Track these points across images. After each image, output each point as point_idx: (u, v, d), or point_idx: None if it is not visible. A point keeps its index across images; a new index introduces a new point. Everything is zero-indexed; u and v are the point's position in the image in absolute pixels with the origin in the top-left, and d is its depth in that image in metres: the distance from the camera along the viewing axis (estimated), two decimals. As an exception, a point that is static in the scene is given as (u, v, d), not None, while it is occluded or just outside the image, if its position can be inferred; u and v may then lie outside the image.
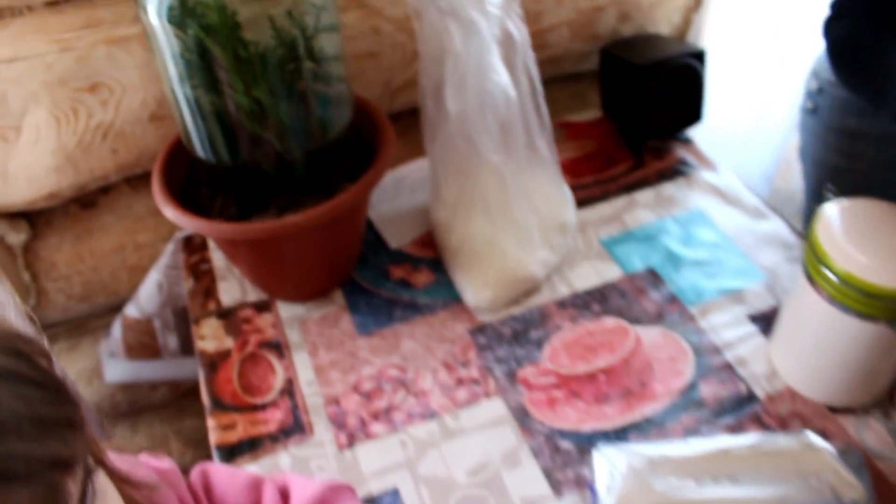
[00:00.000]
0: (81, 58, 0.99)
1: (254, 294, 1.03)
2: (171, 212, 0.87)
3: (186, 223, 0.85)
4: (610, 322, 0.97)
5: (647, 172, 1.18)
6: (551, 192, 1.01)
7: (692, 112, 1.16)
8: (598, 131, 1.24)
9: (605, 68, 1.19)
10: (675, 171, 1.17)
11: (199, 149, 0.88)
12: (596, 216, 1.11)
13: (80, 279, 1.20)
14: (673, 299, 0.98)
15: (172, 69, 0.81)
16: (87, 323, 1.32)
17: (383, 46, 1.09)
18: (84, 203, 1.17)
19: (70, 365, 1.32)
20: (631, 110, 1.15)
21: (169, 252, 1.17)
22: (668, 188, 1.15)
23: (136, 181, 1.17)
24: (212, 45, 0.77)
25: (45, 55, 0.98)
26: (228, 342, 0.98)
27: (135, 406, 1.41)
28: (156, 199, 0.90)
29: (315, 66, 0.82)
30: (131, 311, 1.23)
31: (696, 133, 1.21)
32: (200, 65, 0.80)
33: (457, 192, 0.99)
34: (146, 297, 1.21)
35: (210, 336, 0.99)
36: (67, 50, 0.99)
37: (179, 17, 0.77)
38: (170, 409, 1.44)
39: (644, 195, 1.14)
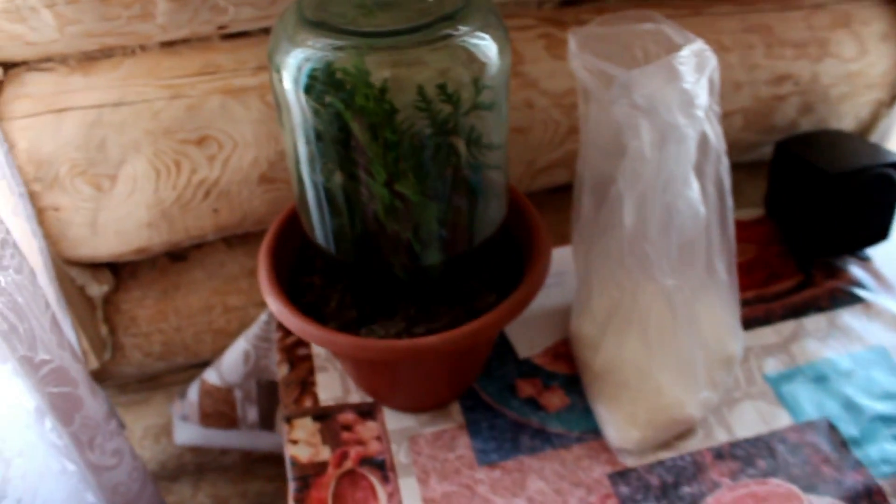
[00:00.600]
0: (192, 107, 0.87)
1: (357, 394, 0.89)
2: (280, 309, 0.73)
3: (296, 326, 0.71)
4: (778, 486, 0.80)
5: (816, 293, 1.00)
6: (722, 321, 0.85)
7: (879, 229, 0.98)
8: (759, 234, 1.07)
9: (779, 166, 1.02)
10: (851, 296, 0.99)
11: (321, 237, 0.74)
12: (758, 343, 0.94)
13: (160, 337, 1.07)
14: (856, 465, 0.81)
15: (302, 146, 0.68)
16: (160, 376, 1.19)
17: (534, 122, 0.94)
18: (174, 255, 1.04)
19: (139, 419, 1.20)
20: (806, 220, 0.98)
21: (261, 322, 1.04)
22: (844, 316, 0.97)
23: (232, 238, 1.04)
24: (355, 125, 0.63)
25: (154, 101, 0.86)
26: (325, 452, 0.84)
27: (202, 467, 1.28)
28: (262, 287, 0.77)
29: (474, 155, 0.67)
30: (212, 377, 1.10)
31: (874, 251, 1.03)
32: (336, 146, 0.66)
33: (610, 307, 0.83)
34: (230, 366, 1.08)
35: (304, 442, 0.85)
36: (178, 97, 0.86)
37: (320, 89, 0.63)
38: (237, 469, 1.31)
39: (814, 322, 0.97)
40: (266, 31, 0.89)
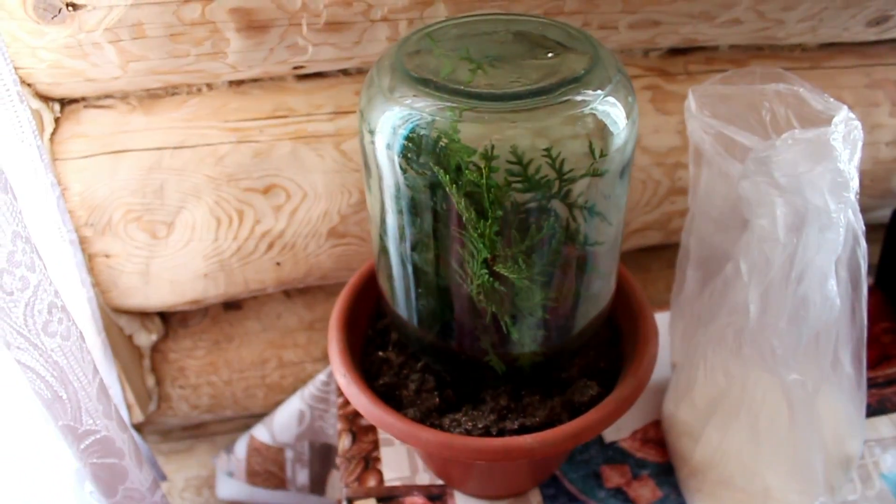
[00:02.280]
0: (260, 153, 0.79)
1: (426, 474, 0.80)
2: (353, 391, 0.65)
3: (377, 417, 0.63)
4: None
5: (937, 376, 0.90)
6: (844, 418, 0.75)
7: None
8: (868, 309, 0.96)
9: (895, 235, 0.92)
10: (976, 382, 0.89)
11: (404, 311, 0.65)
12: (874, 437, 0.84)
13: (209, 390, 0.99)
14: None
15: (392, 215, 0.59)
16: (206, 426, 1.11)
17: (632, 181, 0.85)
18: (228, 304, 0.97)
19: (181, 469, 1.13)
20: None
21: (319, 381, 0.96)
22: (970, 405, 0.86)
23: (291, 288, 0.96)
24: (458, 199, 0.54)
25: (218, 145, 0.78)
26: (389, 542, 0.75)
27: (242, 521, 1.20)
28: (332, 363, 0.69)
29: (591, 235, 0.58)
30: (262, 434, 1.02)
31: None
32: (432, 218, 0.57)
33: (715, 396, 0.74)
34: (282, 425, 1.00)
35: (367, 528, 0.76)
36: (245, 142, 0.78)
37: (419, 155, 0.54)
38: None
39: (937, 411, 0.86)
40: (346, 72, 0.81)
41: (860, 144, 0.62)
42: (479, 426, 0.64)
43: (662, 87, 0.84)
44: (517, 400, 0.67)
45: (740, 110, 0.70)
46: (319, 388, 0.96)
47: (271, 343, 0.99)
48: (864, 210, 0.93)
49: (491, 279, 0.58)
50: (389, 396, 0.68)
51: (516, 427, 0.64)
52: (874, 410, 0.88)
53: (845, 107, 0.64)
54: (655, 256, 1.01)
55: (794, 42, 0.87)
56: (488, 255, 0.58)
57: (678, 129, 0.85)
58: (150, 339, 0.96)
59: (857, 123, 0.63)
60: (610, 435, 0.85)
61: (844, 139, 0.61)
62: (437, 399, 0.67)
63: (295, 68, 0.78)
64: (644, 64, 0.85)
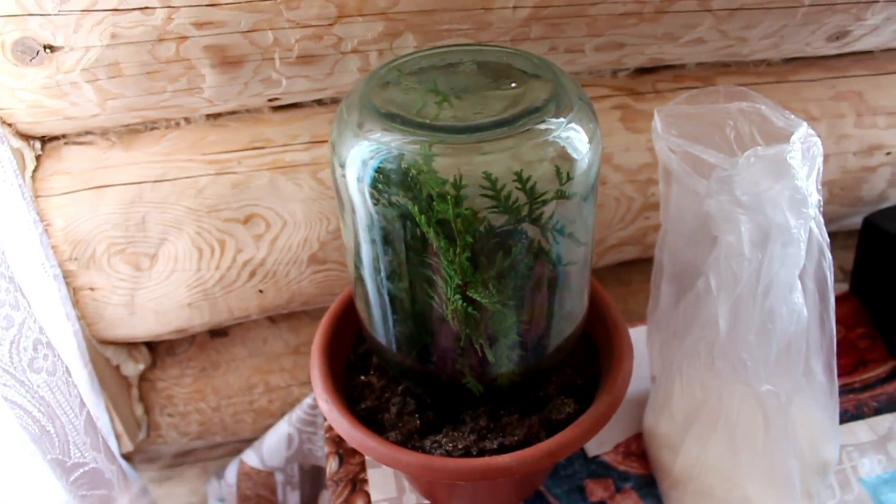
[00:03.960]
0: (239, 183, 0.80)
1: (413, 494, 0.82)
2: (335, 416, 0.66)
3: (358, 441, 0.64)
4: None
5: (912, 381, 0.91)
6: (818, 425, 0.77)
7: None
8: (844, 314, 0.99)
9: (868, 242, 0.94)
10: (951, 384, 0.90)
11: (382, 337, 0.67)
12: (851, 441, 0.86)
13: (198, 417, 1.00)
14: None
15: (366, 247, 0.61)
16: (196, 452, 1.12)
17: (606, 199, 0.87)
18: (214, 331, 0.98)
19: (172, 497, 1.13)
20: (901, 302, 0.89)
21: (306, 405, 0.97)
22: (945, 408, 0.88)
23: (276, 314, 0.98)
24: (429, 228, 0.56)
25: (198, 177, 0.80)
26: (378, 562, 0.76)
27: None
28: (315, 389, 0.70)
29: (559, 256, 0.60)
30: (251, 459, 1.03)
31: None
32: (405, 247, 0.59)
33: (693, 408, 0.76)
34: (271, 449, 1.01)
35: (355, 550, 0.77)
36: (224, 173, 0.80)
37: (389, 187, 0.56)
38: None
39: (913, 415, 0.88)
40: (320, 102, 0.83)
41: (819, 160, 0.64)
42: (460, 447, 0.66)
43: (632, 106, 0.86)
44: (496, 420, 0.68)
45: (705, 129, 0.72)
46: (307, 412, 0.98)
47: (258, 368, 1.00)
48: (837, 218, 0.96)
49: (464, 304, 0.60)
50: (371, 420, 0.70)
51: (496, 446, 0.65)
52: (851, 416, 0.89)
53: (805, 123, 0.66)
54: (634, 271, 1.03)
55: (758, 58, 0.89)
56: (460, 282, 0.59)
57: (649, 147, 0.86)
58: (138, 369, 0.97)
59: (817, 139, 0.65)
60: (593, 449, 0.86)
61: (803, 156, 0.63)
62: (419, 421, 0.69)
63: (270, 100, 0.80)
64: (613, 84, 0.87)
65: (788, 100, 0.89)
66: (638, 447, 0.86)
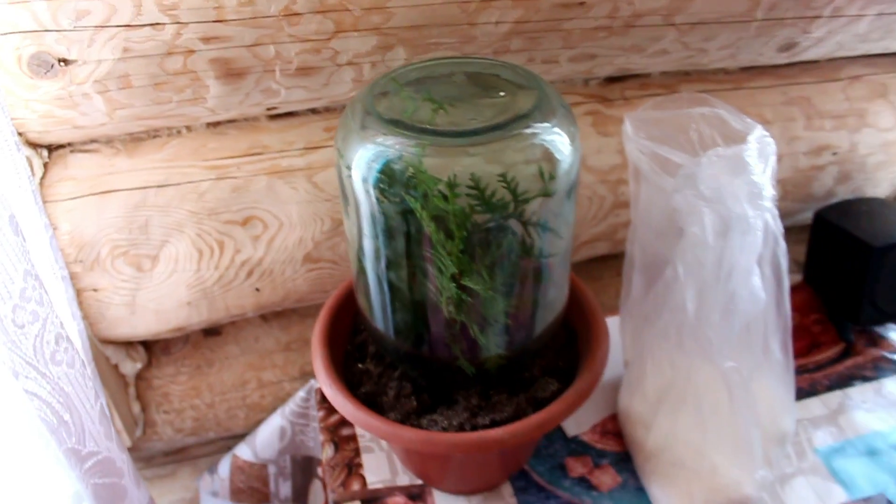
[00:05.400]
0: (238, 188, 0.86)
1: (406, 476, 0.87)
2: (339, 400, 0.72)
3: (361, 420, 0.70)
4: (839, 567, 0.78)
5: (859, 361, 1.00)
6: (777, 399, 0.84)
7: (921, 298, 0.98)
8: (799, 302, 1.07)
9: (818, 235, 1.03)
10: (895, 364, 0.99)
11: (381, 325, 0.73)
12: (806, 416, 0.93)
13: (192, 414, 1.05)
14: (916, 543, 0.79)
15: (368, 239, 0.67)
16: (188, 450, 1.17)
17: (579, 198, 0.94)
18: (208, 331, 1.03)
19: (165, 494, 1.18)
20: (848, 290, 0.98)
21: (298, 398, 1.02)
22: (890, 385, 0.97)
23: (268, 312, 1.03)
24: (428, 222, 0.62)
25: (199, 182, 0.85)
26: (376, 539, 0.82)
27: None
28: (318, 375, 0.76)
29: (543, 248, 0.67)
30: (244, 453, 1.08)
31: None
32: (405, 240, 0.65)
33: (664, 387, 0.83)
34: (264, 442, 1.06)
35: (354, 528, 0.83)
36: (224, 178, 0.85)
37: (392, 186, 0.62)
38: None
39: (861, 392, 0.96)
40: (314, 111, 0.88)
41: (773, 158, 0.71)
42: (455, 423, 0.72)
43: (602, 112, 0.93)
44: (487, 399, 0.74)
45: (671, 132, 0.79)
46: (299, 405, 1.03)
47: (250, 365, 1.06)
48: (791, 213, 1.04)
49: (459, 292, 0.66)
50: (371, 403, 0.76)
51: (487, 422, 0.72)
52: (806, 393, 0.97)
53: (759, 126, 0.74)
54: (606, 266, 1.10)
55: (717, 67, 0.97)
56: (455, 271, 0.65)
57: (618, 149, 0.94)
58: (135, 368, 1.01)
59: (770, 140, 0.73)
60: (572, 430, 0.93)
61: (759, 154, 0.70)
62: (415, 402, 0.75)
63: (268, 109, 0.86)
64: (585, 91, 0.94)
65: (745, 105, 0.97)
66: (614, 427, 0.93)
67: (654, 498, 0.84)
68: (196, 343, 1.04)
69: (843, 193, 1.08)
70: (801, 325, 1.07)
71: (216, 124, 0.87)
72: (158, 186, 0.85)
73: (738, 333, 0.77)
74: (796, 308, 1.07)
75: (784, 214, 1.05)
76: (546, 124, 0.63)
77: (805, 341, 1.04)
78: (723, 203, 0.68)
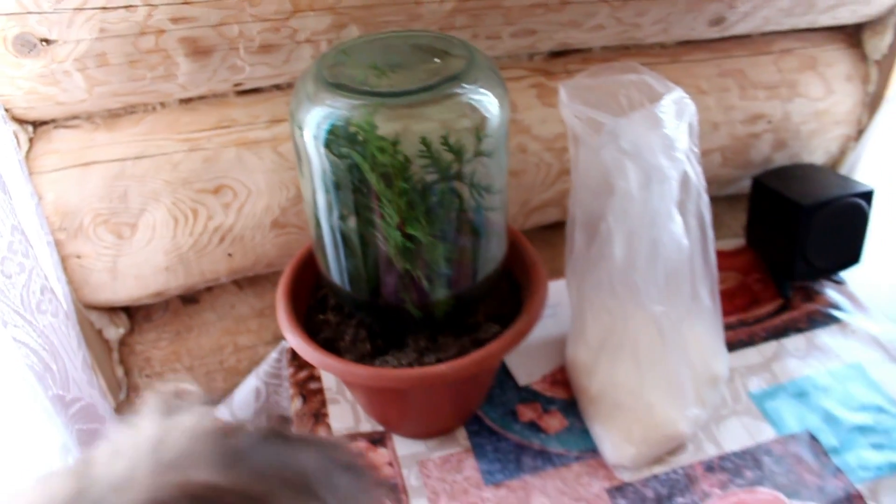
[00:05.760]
0: (209, 158, 0.93)
1: (368, 423, 0.95)
2: (299, 344, 0.79)
3: (316, 359, 0.77)
4: (765, 493, 0.86)
5: (795, 315, 1.07)
6: (707, 343, 0.92)
7: (852, 254, 1.06)
8: (741, 263, 1.15)
9: (756, 199, 1.10)
10: (827, 317, 1.07)
11: (336, 276, 0.80)
12: (743, 364, 1.01)
13: (173, 377, 1.12)
14: (836, 472, 0.87)
15: (321, 194, 0.74)
16: (171, 415, 1.23)
17: (527, 165, 1.01)
18: (186, 298, 1.10)
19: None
20: (783, 248, 1.05)
21: (272, 359, 1.09)
22: (821, 336, 1.04)
23: (242, 280, 1.10)
24: (371, 175, 0.69)
25: (173, 154, 0.92)
26: (339, 480, 0.88)
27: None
28: (281, 324, 0.83)
29: (478, 200, 0.74)
30: (223, 414, 1.15)
31: (847, 274, 1.11)
32: (353, 193, 0.72)
33: (603, 334, 0.90)
34: (241, 403, 1.13)
35: (320, 470, 0.89)
36: (196, 150, 0.93)
37: (338, 143, 0.69)
38: None
39: (794, 342, 1.04)
40: (278, 87, 0.96)
41: (691, 116, 0.79)
42: (403, 363, 0.79)
43: (546, 85, 1.01)
44: (434, 342, 0.82)
45: (603, 98, 0.87)
46: (272, 366, 1.10)
47: (227, 331, 1.13)
48: (732, 180, 1.12)
49: (403, 240, 0.74)
50: (330, 348, 0.83)
51: (433, 361, 0.79)
52: (745, 344, 1.05)
53: (679, 88, 0.81)
54: (559, 233, 1.17)
55: (654, 41, 1.04)
56: (399, 220, 0.73)
57: (562, 119, 1.01)
58: (118, 333, 1.08)
59: (689, 101, 0.80)
60: (523, 380, 1.00)
61: (677, 112, 0.78)
62: (369, 346, 0.82)
63: (235, 85, 0.93)
64: (529, 66, 1.01)
65: (681, 77, 1.04)
66: (562, 377, 1.00)
67: (596, 437, 0.91)
68: (176, 310, 1.12)
69: (781, 160, 1.16)
70: (743, 284, 1.14)
71: (188, 100, 0.94)
72: (135, 158, 0.93)
73: (665, 280, 0.84)
74: (739, 269, 1.15)
75: (727, 181, 1.14)
76: (474, 86, 0.70)
77: (746, 298, 1.11)
78: (641, 156, 0.75)
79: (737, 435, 0.93)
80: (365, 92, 0.70)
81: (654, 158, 0.74)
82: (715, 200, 1.17)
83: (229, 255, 1.00)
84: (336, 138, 0.70)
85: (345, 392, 0.99)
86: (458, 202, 0.74)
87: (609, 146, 0.77)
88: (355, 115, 0.69)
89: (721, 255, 1.13)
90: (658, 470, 0.89)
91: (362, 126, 0.69)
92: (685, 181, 0.82)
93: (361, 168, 0.70)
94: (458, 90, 0.69)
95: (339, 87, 0.70)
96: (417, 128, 0.69)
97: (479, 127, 0.71)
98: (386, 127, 0.69)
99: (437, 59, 0.74)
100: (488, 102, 0.71)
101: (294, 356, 1.04)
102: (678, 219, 0.80)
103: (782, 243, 1.07)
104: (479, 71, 0.71)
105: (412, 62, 0.74)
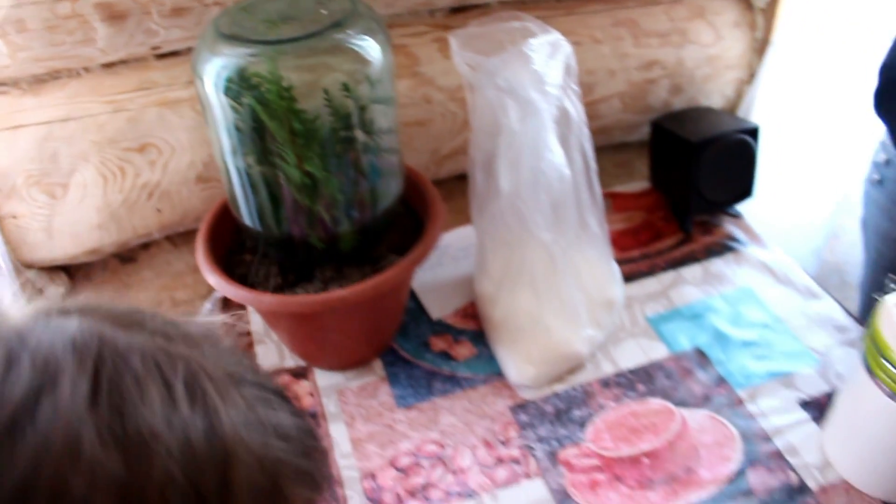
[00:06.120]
0: (133, 119, 1.00)
1: (292, 360, 1.02)
2: (214, 279, 0.86)
3: (230, 292, 0.84)
4: (655, 403, 0.94)
5: (694, 247, 1.15)
6: (600, 270, 1.00)
7: (743, 188, 1.14)
8: (646, 203, 1.23)
9: (656, 141, 1.18)
10: (723, 247, 1.15)
11: (247, 218, 0.87)
12: (642, 292, 1.09)
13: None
14: (720, 381, 0.96)
15: (225, 140, 0.81)
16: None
17: (433, 115, 1.08)
18: (124, 258, 1.17)
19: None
20: (681, 185, 1.13)
21: (206, 311, 1.16)
22: (717, 264, 1.13)
23: (177, 238, 1.17)
24: (266, 117, 0.76)
25: (98, 115, 0.98)
26: (266, 410, 0.96)
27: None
28: (199, 264, 0.90)
29: (369, 139, 0.81)
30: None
31: (745, 208, 1.19)
32: (253, 137, 0.79)
33: (503, 265, 0.97)
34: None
35: (247, 403, 0.97)
36: (120, 111, 0.99)
37: (236, 90, 0.76)
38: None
39: (692, 271, 1.12)
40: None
41: (566, 55, 0.86)
42: (311, 292, 0.87)
43: (446, 39, 1.07)
44: (340, 273, 0.89)
45: (490, 45, 0.93)
46: (207, 317, 1.17)
47: (164, 287, 1.19)
48: (634, 125, 1.19)
49: (301, 175, 0.81)
50: (245, 283, 0.90)
51: (337, 289, 0.86)
52: (645, 274, 1.13)
53: (557, 32, 0.88)
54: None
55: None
56: (296, 159, 0.80)
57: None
58: (59, 292, 1.15)
59: (565, 42, 0.88)
60: (436, 314, 1.08)
61: (551, 52, 0.85)
62: (280, 280, 0.89)
63: (153, 49, 0.99)
64: (431, 22, 1.08)
65: (577, 27, 1.12)
66: (473, 311, 1.08)
67: (500, 360, 0.99)
68: (114, 270, 1.18)
69: (679, 105, 1.23)
70: (647, 221, 1.22)
71: (110, 65, 1.01)
72: (62, 121, 0.99)
73: (551, 209, 0.92)
74: (644, 208, 1.23)
75: (630, 127, 1.21)
76: (356, 31, 0.77)
77: (650, 233, 1.19)
78: (515, 92, 0.83)
79: (632, 354, 1.01)
80: (258, 41, 0.77)
81: (525, 93, 0.82)
82: (624, 146, 1.26)
83: (158, 210, 1.06)
84: (233, 85, 0.77)
85: (270, 334, 1.06)
86: (349, 139, 0.81)
87: (488, 84, 0.84)
88: (250, 63, 0.76)
89: (629, 196, 1.21)
90: (558, 388, 0.98)
91: (257, 73, 0.76)
92: (565, 117, 0.89)
93: (258, 112, 0.77)
94: (341, 36, 0.76)
95: (233, 38, 0.77)
96: (308, 72, 0.76)
97: (365, 71, 0.78)
98: (279, 73, 0.76)
99: (323, 11, 0.81)
100: (370, 48, 0.78)
101: (224, 304, 1.11)
102: (557, 150, 0.87)
103: (679, 180, 1.15)
104: (360, 19, 0.79)
105: (301, 14, 0.81)
